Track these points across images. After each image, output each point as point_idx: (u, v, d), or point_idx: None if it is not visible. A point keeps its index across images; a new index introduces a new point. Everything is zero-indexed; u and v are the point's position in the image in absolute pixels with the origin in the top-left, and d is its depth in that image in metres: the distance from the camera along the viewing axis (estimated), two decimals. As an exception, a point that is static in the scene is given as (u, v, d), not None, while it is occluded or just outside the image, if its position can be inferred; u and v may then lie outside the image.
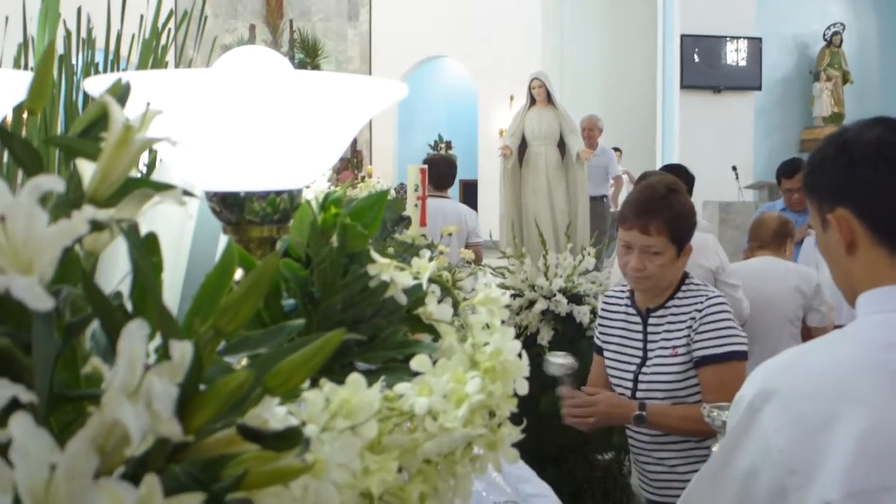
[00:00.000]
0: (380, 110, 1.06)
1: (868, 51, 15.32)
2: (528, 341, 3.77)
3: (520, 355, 1.00)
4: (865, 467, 1.18)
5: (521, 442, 3.16)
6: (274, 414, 0.69)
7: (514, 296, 3.90)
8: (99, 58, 2.04)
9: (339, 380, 0.85)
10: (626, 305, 2.65)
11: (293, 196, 1.06)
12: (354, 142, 14.91)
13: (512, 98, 13.48)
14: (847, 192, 1.34)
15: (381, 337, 1.02)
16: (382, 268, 1.02)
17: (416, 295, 1.05)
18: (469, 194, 17.85)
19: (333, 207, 1.02)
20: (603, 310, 2.74)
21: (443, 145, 17.91)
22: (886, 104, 15.16)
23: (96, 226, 0.62)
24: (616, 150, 13.51)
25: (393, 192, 11.41)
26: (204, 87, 0.95)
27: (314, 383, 0.85)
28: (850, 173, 1.33)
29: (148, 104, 0.68)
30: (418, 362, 0.91)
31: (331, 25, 16.00)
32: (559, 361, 2.57)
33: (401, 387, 0.89)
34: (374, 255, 1.03)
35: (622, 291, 2.70)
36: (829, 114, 14.31)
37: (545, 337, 3.75)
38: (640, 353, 2.56)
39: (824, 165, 1.37)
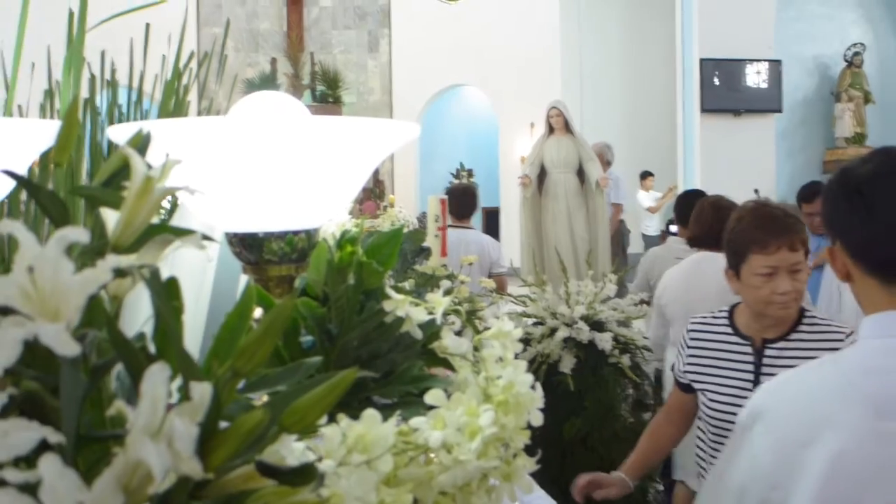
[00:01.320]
0: (393, 150, 1.10)
1: (889, 71, 15.27)
2: (551, 369, 3.78)
3: (533, 387, 1.03)
4: (836, 487, 1.25)
5: (544, 469, 3.18)
6: (291, 450, 0.72)
7: (535, 324, 3.92)
8: (122, 97, 2.09)
9: (357, 414, 0.87)
10: (727, 334, 2.49)
11: (310, 235, 1.09)
12: (376, 171, 14.99)
13: (532, 125, 13.52)
14: (835, 226, 1.41)
15: (398, 372, 1.04)
16: (398, 304, 1.04)
17: (432, 329, 1.08)
18: (491, 222, 17.89)
19: (349, 246, 1.05)
20: (692, 340, 2.56)
21: (464, 173, 17.99)
22: (908, 124, 15.11)
23: (119, 273, 0.65)
24: (648, 174, 13.51)
25: (415, 222, 11.44)
26: (222, 134, 0.99)
27: (332, 418, 0.88)
28: (835, 207, 1.40)
29: (167, 155, 0.72)
30: (433, 396, 0.94)
31: (351, 57, 16.15)
32: None
33: (416, 421, 0.91)
34: (390, 291, 1.06)
35: (715, 319, 2.55)
36: (851, 134, 14.27)
37: (567, 365, 3.76)
38: (750, 387, 2.37)
39: (825, 198, 1.43)
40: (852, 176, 1.38)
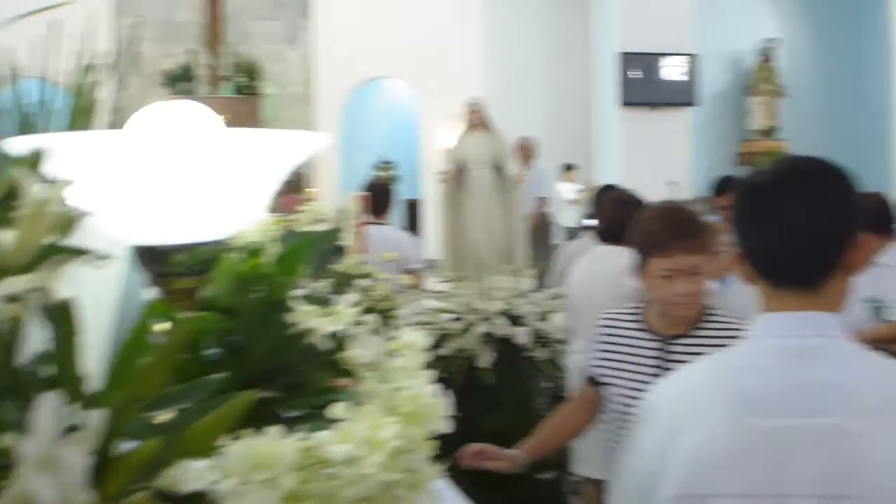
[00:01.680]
0: (303, 160, 1.09)
1: (801, 65, 15.68)
2: (469, 364, 3.81)
3: (440, 395, 1.04)
4: (694, 474, 1.34)
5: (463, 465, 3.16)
6: (190, 472, 0.72)
7: (454, 319, 3.93)
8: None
9: (264, 429, 0.87)
10: (635, 329, 2.55)
11: (215, 247, 1.08)
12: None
13: (455, 118, 13.55)
14: (736, 230, 1.47)
15: (305, 384, 1.04)
16: (304, 316, 1.05)
17: (338, 340, 1.08)
18: (412, 214, 17.90)
19: (254, 258, 1.04)
20: (603, 335, 2.61)
21: (386, 166, 17.94)
22: (818, 117, 15.54)
23: (11, 298, 0.64)
24: (572, 167, 13.66)
25: (336, 215, 11.34)
26: (125, 146, 0.98)
27: (237, 435, 0.88)
28: (736, 212, 1.46)
29: (58, 176, 0.71)
30: (337, 410, 0.94)
31: (272, 49, 15.93)
32: None
33: (320, 435, 0.92)
34: (296, 303, 1.06)
35: (623, 314, 2.61)
36: (764, 127, 14.63)
37: (486, 360, 3.79)
38: (656, 378, 2.36)
39: (734, 203, 1.48)
40: (751, 183, 1.46)
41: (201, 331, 1.00)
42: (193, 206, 1.04)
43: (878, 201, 4.45)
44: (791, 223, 1.38)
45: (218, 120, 1.06)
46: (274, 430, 0.82)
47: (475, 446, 2.54)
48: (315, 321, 1.03)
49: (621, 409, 2.50)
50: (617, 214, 3.74)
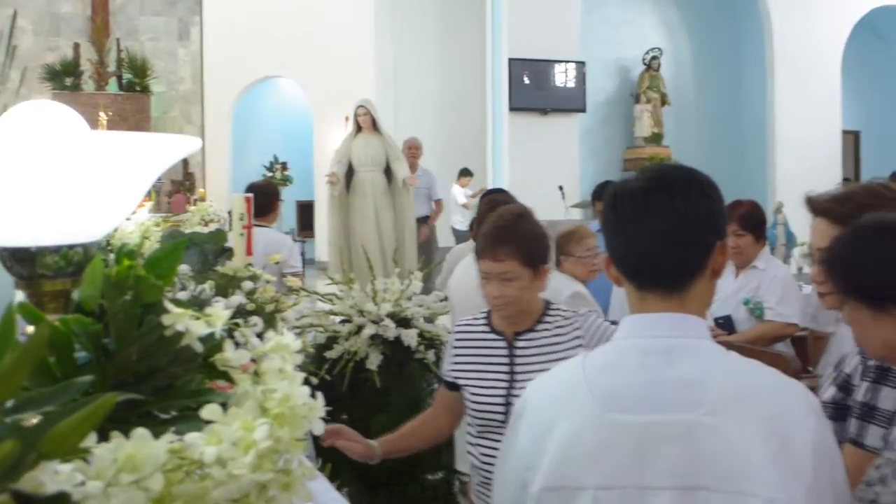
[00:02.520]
0: (173, 163, 1.09)
1: (684, 74, 16.19)
2: (358, 367, 3.81)
3: (313, 396, 1.05)
4: (561, 467, 1.43)
5: (353, 465, 3.24)
6: (54, 474, 0.72)
7: (343, 321, 3.94)
8: None
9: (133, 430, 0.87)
10: (485, 332, 2.69)
11: (87, 249, 1.07)
12: (186, 163, 14.58)
13: (347, 119, 13.52)
14: (604, 235, 1.56)
15: (176, 386, 1.04)
16: (177, 318, 1.04)
17: (212, 343, 1.08)
18: (305, 216, 17.76)
19: (127, 259, 1.04)
20: (457, 340, 2.75)
21: (278, 166, 17.76)
22: (701, 124, 16.07)
23: None
24: (467, 172, 13.75)
25: (227, 217, 11.21)
26: (-10, 146, 0.96)
27: (105, 437, 0.88)
28: (603, 219, 1.56)
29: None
30: (209, 411, 0.95)
31: (160, 45, 15.59)
32: None
33: (191, 437, 0.92)
34: (169, 305, 1.05)
35: (476, 319, 2.74)
36: (649, 134, 15.06)
37: (374, 361, 3.80)
38: (506, 376, 2.61)
39: (601, 208, 1.55)
40: (615, 192, 1.52)
41: (72, 333, 0.99)
42: (64, 207, 1.03)
43: (753, 208, 4.65)
44: (655, 228, 1.45)
45: (84, 121, 1.05)
46: (142, 432, 0.82)
47: (334, 426, 2.60)
48: (188, 323, 1.03)
49: (480, 409, 2.63)
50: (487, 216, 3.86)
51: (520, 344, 2.62)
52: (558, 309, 2.68)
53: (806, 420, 1.41)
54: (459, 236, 12.85)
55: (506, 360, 2.62)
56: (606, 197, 1.53)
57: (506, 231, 2.56)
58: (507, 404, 2.56)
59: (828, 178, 15.36)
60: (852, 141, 17.56)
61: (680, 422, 1.38)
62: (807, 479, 1.36)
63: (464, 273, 3.96)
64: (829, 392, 2.07)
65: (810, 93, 15.44)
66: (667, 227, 1.44)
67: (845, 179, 15.43)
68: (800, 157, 15.12)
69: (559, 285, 4.56)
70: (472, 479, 2.77)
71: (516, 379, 2.58)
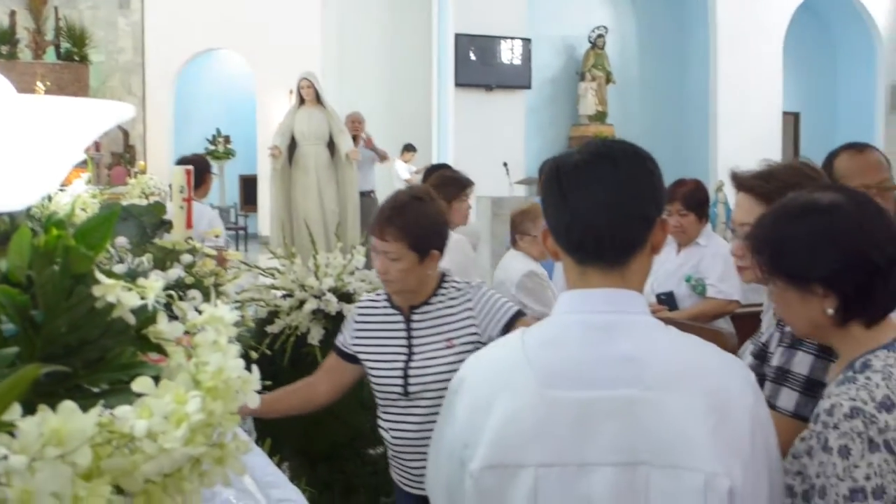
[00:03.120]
0: (105, 130, 1.07)
1: (629, 52, 16.27)
2: (299, 341, 3.79)
3: (249, 369, 1.04)
4: (502, 445, 1.41)
5: (292, 440, 3.23)
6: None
7: (284, 296, 3.90)
8: None
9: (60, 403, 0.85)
10: (385, 308, 2.77)
11: (13, 218, 1.04)
12: (127, 136, 14.34)
13: (291, 92, 13.40)
14: (544, 210, 1.54)
15: (108, 358, 1.02)
16: (108, 289, 1.02)
17: (145, 315, 1.06)
18: (248, 190, 17.57)
19: (56, 229, 1.01)
20: (359, 316, 2.82)
21: (221, 140, 17.54)
22: (645, 103, 16.18)
23: None
24: (411, 148, 13.73)
25: (168, 190, 11.10)
26: None
27: (32, 410, 0.85)
28: (544, 193, 1.54)
29: None
30: (140, 384, 0.93)
31: (100, 14, 15.27)
32: None
33: (121, 410, 0.90)
34: (100, 276, 1.03)
35: (378, 296, 2.84)
36: (593, 112, 15.13)
37: (316, 336, 3.77)
38: (404, 350, 2.69)
39: (542, 182, 1.54)
40: (558, 165, 1.50)
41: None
42: (-11, 174, 1.00)
43: (696, 186, 4.72)
44: (600, 201, 1.44)
45: (11, 85, 1.02)
46: (69, 405, 0.80)
47: None
48: (120, 295, 1.01)
49: (381, 384, 2.72)
50: None
51: (415, 318, 2.69)
52: (452, 281, 2.75)
53: (743, 394, 1.43)
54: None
55: (403, 334, 2.70)
56: (548, 170, 1.52)
57: (397, 212, 2.61)
58: (406, 377, 2.66)
59: (768, 158, 15.61)
60: (792, 122, 17.83)
61: (621, 398, 1.38)
62: (744, 452, 1.38)
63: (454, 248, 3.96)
64: (747, 361, 2.12)
65: (752, 74, 15.63)
66: (612, 200, 1.44)
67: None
68: (741, 137, 15.31)
69: (514, 264, 4.59)
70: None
71: (414, 352, 2.67)
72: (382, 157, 9.15)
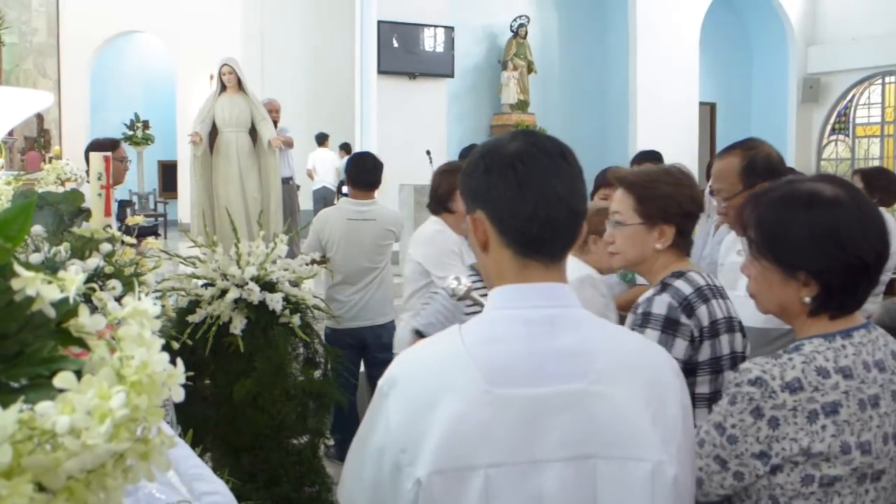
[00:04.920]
0: (21, 120, 1.04)
1: (550, 42, 16.41)
2: (221, 331, 3.75)
3: (173, 362, 1.02)
4: (450, 447, 1.35)
5: (215, 430, 3.18)
6: None
7: (205, 285, 3.85)
8: None
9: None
10: None
11: (-73, 209, 1.01)
12: (41, 120, 13.97)
13: (212, 78, 13.21)
14: (482, 197, 1.48)
15: (27, 353, 1.00)
16: (27, 282, 1.00)
17: (66, 308, 1.04)
18: (168, 176, 17.29)
19: (-27, 221, 0.99)
20: None
21: (139, 125, 17.20)
22: (565, 92, 16.36)
23: None
24: (324, 136, 13.69)
25: (84, 176, 10.85)
26: None
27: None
28: (484, 180, 1.47)
29: None
30: (62, 379, 0.91)
31: (13, -7, 14.84)
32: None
33: (42, 405, 0.88)
34: (19, 268, 1.01)
35: None
36: (515, 101, 15.22)
37: (238, 326, 3.73)
38: None
39: (468, 171, 1.52)
40: (504, 151, 1.46)
41: None
42: None
43: None
44: (558, 196, 1.43)
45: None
46: (-13, 402, 0.78)
47: None
48: (40, 287, 0.99)
49: None
50: None
51: None
52: None
53: (673, 382, 1.48)
54: (320, 199, 12.90)
55: None
56: (492, 157, 1.48)
57: None
58: None
59: (685, 147, 15.92)
60: (709, 112, 18.20)
61: (569, 392, 1.38)
62: (677, 438, 1.43)
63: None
64: None
65: (670, 64, 15.90)
66: (567, 195, 1.44)
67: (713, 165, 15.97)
68: (659, 127, 15.57)
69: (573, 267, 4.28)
70: None
71: None
72: (288, 144, 8.93)
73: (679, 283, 2.35)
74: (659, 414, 1.42)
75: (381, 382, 1.47)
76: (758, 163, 2.94)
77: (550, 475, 1.36)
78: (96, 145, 5.42)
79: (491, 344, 1.42)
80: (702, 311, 2.31)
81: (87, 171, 3.62)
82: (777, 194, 1.83)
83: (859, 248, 1.73)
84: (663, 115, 15.71)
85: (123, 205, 9.52)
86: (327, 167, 13.61)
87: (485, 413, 1.35)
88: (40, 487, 0.86)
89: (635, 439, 1.39)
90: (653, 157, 5.54)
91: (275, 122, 8.43)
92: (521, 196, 1.43)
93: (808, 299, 1.77)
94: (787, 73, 17.88)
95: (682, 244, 2.46)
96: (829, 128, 18.05)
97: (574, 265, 4.31)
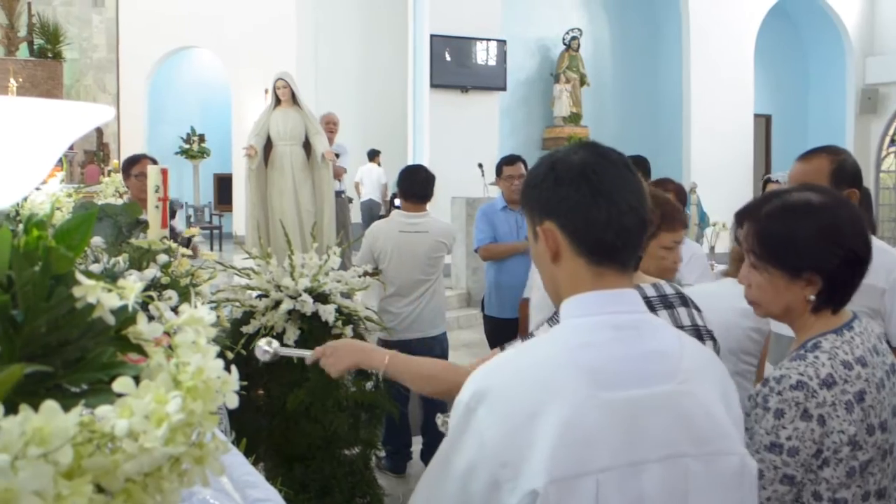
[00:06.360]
0: (82, 133, 1.07)
1: (602, 55, 16.36)
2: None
3: (228, 370, 1.05)
4: (564, 455, 1.32)
5: (269, 440, 3.21)
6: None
7: (260, 296, 3.90)
8: None
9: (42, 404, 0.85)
10: None
11: (-7, 219, 1.05)
12: (101, 134, 14.25)
13: (266, 92, 13.38)
14: (553, 208, 1.49)
15: (88, 358, 1.03)
16: (88, 290, 1.03)
17: (125, 315, 1.07)
18: (223, 189, 17.52)
19: (36, 230, 1.02)
20: None
21: (195, 138, 17.47)
22: (618, 105, 16.28)
23: None
24: (375, 152, 13.78)
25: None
26: None
27: (14, 409, 0.86)
28: (555, 191, 1.49)
29: None
30: (120, 384, 0.94)
31: (73, 10, 15.18)
32: (264, 348, 2.47)
33: (102, 409, 0.91)
34: (80, 276, 1.04)
35: None
36: (568, 114, 15.19)
37: (291, 337, 3.77)
38: None
39: (535, 182, 1.53)
40: (572, 162, 1.49)
41: (-23, 305, 0.96)
42: (-31, 175, 1.00)
43: (680, 187, 4.89)
44: (631, 206, 1.46)
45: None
46: (51, 404, 0.81)
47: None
48: (100, 296, 1.01)
49: None
50: None
51: None
52: None
53: (730, 380, 1.56)
54: (370, 212, 12.99)
55: None
56: (562, 168, 1.49)
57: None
58: None
59: (740, 160, 15.75)
60: (764, 124, 17.99)
61: (663, 393, 1.42)
62: (742, 430, 1.53)
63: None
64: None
65: (724, 76, 15.76)
66: (637, 203, 1.48)
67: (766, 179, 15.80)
68: (713, 140, 15.44)
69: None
70: None
71: None
72: (337, 175, 8.94)
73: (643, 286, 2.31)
74: (730, 410, 1.49)
75: (463, 399, 1.42)
76: (847, 167, 2.92)
77: (649, 476, 1.37)
78: (132, 161, 5.49)
79: (587, 349, 1.42)
80: (662, 315, 2.27)
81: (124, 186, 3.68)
82: (775, 206, 1.98)
83: (854, 243, 1.90)
84: (717, 128, 15.56)
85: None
86: (373, 181, 13.72)
87: (592, 418, 1.35)
88: (99, 489, 0.89)
89: (722, 434, 1.44)
90: (637, 162, 5.53)
91: (331, 136, 8.49)
92: (596, 205, 1.45)
93: (812, 297, 1.92)
94: (844, 84, 17.62)
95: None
96: (887, 139, 17.72)
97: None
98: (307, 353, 2.46)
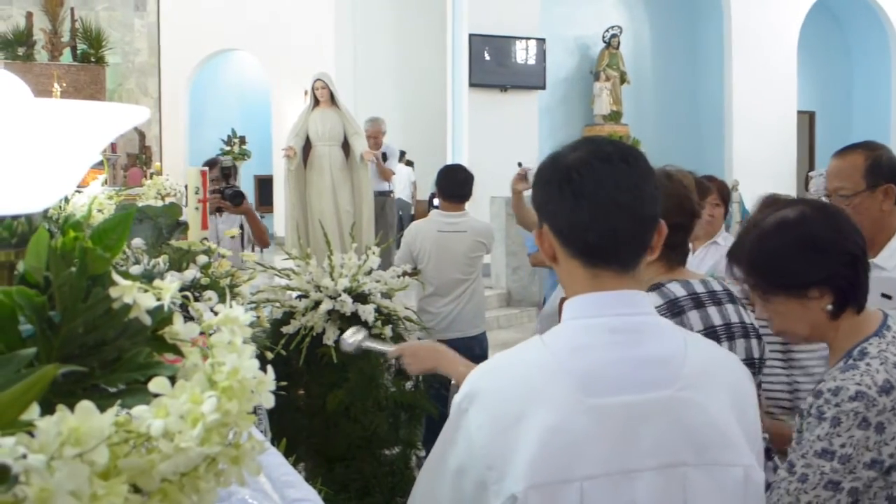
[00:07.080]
0: (121, 133, 1.08)
1: (643, 52, 16.25)
2: (314, 342, 3.80)
3: (264, 370, 1.04)
4: (547, 461, 1.31)
5: (309, 441, 3.22)
6: (-5, 448, 0.70)
7: (299, 297, 3.91)
8: None
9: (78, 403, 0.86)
10: None
11: (31, 220, 1.05)
12: (143, 137, 14.41)
13: (306, 93, 13.45)
14: (544, 210, 1.48)
15: (124, 359, 1.03)
16: (124, 290, 1.03)
17: (161, 316, 1.07)
18: (264, 190, 17.63)
19: (73, 231, 1.02)
20: None
21: (236, 140, 17.61)
22: (659, 102, 16.16)
23: None
24: (403, 153, 13.80)
25: (184, 191, 11.14)
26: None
27: (50, 410, 0.86)
28: (545, 192, 1.47)
29: None
30: (156, 384, 0.94)
31: (116, 15, 15.35)
32: (349, 340, 2.53)
33: (138, 409, 0.91)
34: (117, 277, 1.04)
35: None
36: (608, 112, 15.11)
37: (331, 337, 3.77)
38: None
39: (535, 182, 1.50)
40: (562, 163, 1.45)
41: (16, 305, 0.97)
42: (6, 177, 1.01)
43: (724, 183, 4.85)
44: (617, 203, 1.40)
45: (27, 87, 1.03)
46: (87, 405, 0.81)
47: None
48: (136, 296, 1.02)
49: None
50: None
51: None
52: None
53: (750, 387, 1.49)
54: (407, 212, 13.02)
55: None
56: (552, 168, 1.46)
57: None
58: None
59: (783, 157, 15.56)
60: (807, 121, 17.76)
61: (659, 399, 1.37)
62: (758, 441, 1.45)
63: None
64: None
65: (767, 73, 15.58)
66: (631, 201, 1.41)
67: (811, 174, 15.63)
68: (756, 137, 15.27)
69: None
70: None
71: None
72: (385, 176, 8.98)
73: (672, 286, 2.25)
74: (742, 419, 1.42)
75: (457, 399, 1.43)
76: (883, 162, 2.86)
77: (642, 484, 1.34)
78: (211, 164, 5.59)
79: (579, 353, 1.39)
80: (693, 315, 2.23)
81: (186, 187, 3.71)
82: (753, 236, 1.96)
83: (842, 245, 1.88)
84: (760, 124, 15.39)
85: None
86: (403, 181, 13.75)
87: (580, 424, 1.32)
88: (135, 489, 0.89)
89: (726, 444, 1.38)
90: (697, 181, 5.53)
91: (377, 141, 8.50)
92: (577, 207, 1.41)
93: (829, 307, 1.89)
94: (889, 81, 17.33)
95: (672, 256, 2.32)
96: (935, 135, 17.44)
97: None
98: (390, 349, 2.50)
